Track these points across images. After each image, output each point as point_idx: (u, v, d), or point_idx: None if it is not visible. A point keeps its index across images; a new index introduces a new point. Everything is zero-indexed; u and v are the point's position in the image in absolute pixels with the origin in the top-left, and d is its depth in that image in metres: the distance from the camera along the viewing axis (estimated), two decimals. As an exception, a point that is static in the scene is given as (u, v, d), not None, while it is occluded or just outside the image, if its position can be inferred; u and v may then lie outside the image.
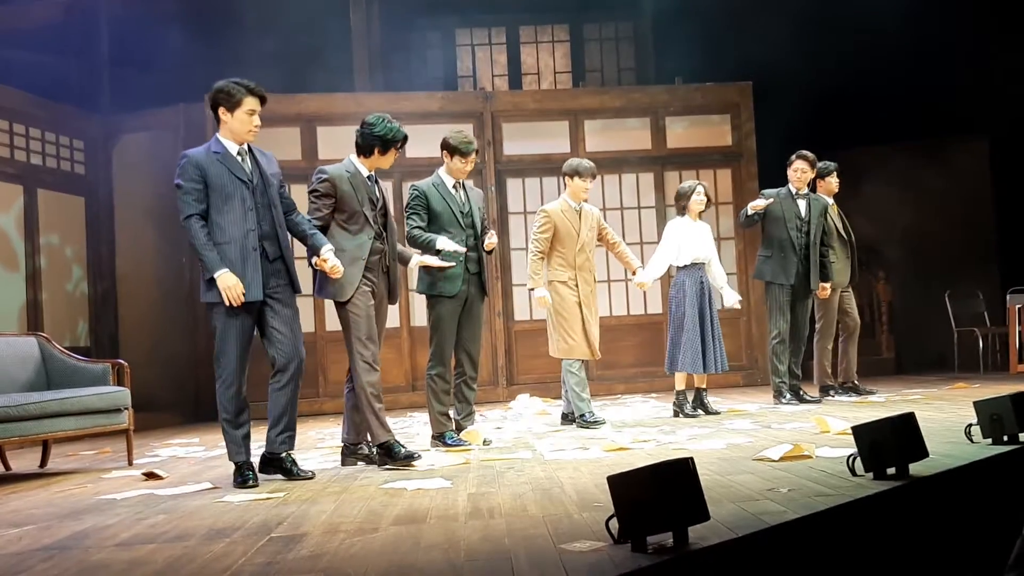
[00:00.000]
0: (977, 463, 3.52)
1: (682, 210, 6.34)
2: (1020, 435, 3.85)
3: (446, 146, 5.28)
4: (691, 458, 2.61)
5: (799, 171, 6.76)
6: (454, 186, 5.30)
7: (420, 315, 9.11)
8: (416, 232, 5.13)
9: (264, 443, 4.32)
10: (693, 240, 6.26)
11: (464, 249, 5.08)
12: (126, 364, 5.67)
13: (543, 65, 11.31)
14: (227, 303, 4.06)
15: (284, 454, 4.28)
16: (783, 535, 2.67)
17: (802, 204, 6.75)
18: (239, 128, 4.17)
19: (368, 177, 4.63)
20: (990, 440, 3.89)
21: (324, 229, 4.53)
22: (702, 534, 2.57)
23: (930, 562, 3.03)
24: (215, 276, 4.05)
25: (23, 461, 5.86)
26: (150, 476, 4.70)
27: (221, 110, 4.18)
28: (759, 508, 2.93)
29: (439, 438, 5.19)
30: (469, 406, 5.40)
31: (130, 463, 5.39)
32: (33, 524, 3.57)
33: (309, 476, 4.27)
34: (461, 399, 5.38)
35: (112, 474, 5.05)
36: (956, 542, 3.10)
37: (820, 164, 7.11)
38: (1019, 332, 8.82)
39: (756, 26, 9.63)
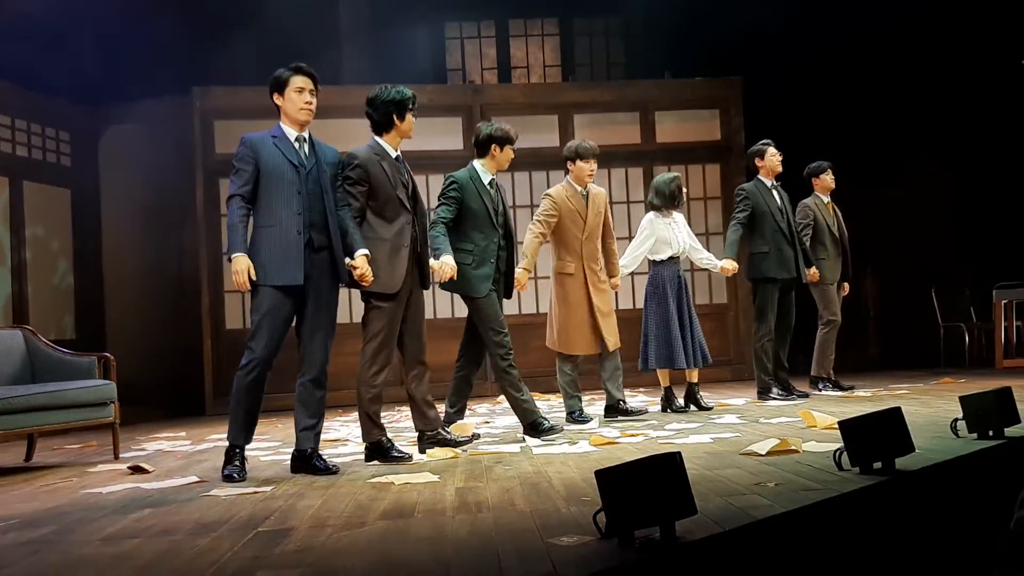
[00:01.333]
0: (962, 458, 3.55)
1: (660, 205, 6.22)
2: (1005, 430, 3.88)
3: (494, 139, 5.13)
4: (678, 453, 2.61)
5: (776, 156, 6.72)
6: (490, 183, 5.16)
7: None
8: (440, 230, 4.94)
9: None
10: (670, 234, 6.17)
11: (449, 274, 4.87)
12: (112, 357, 5.64)
13: (532, 59, 11.28)
14: (236, 285, 4.07)
15: (309, 450, 4.24)
16: (770, 529, 2.68)
17: (776, 195, 6.76)
18: (292, 108, 4.24)
19: (396, 158, 4.54)
20: (975, 435, 3.91)
21: (360, 220, 4.41)
22: (689, 528, 2.58)
23: (916, 556, 3.05)
24: (231, 256, 4.06)
25: (8, 455, 5.83)
26: (136, 470, 4.68)
27: (275, 96, 4.29)
28: (746, 502, 2.93)
29: (533, 427, 5.01)
30: (464, 400, 5.40)
31: (116, 457, 5.37)
32: (18, 518, 3.54)
33: (335, 471, 4.21)
34: (459, 393, 5.31)
35: (98, 468, 5.03)
36: (942, 536, 3.12)
37: (813, 163, 7.12)
38: (1004, 327, 8.89)
39: (746, 21, 9.63)
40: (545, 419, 5.07)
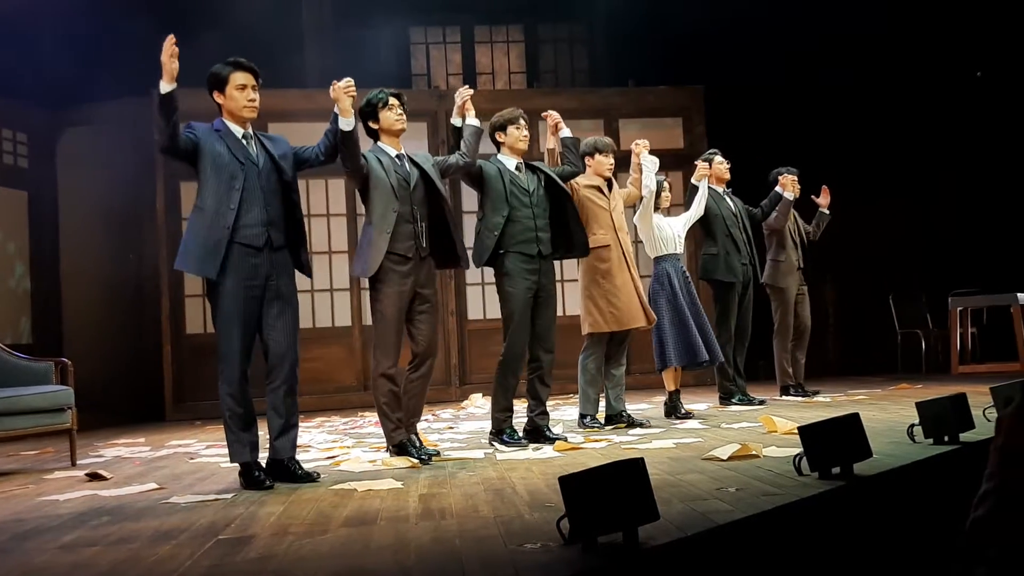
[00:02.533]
0: (919, 462, 3.61)
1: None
2: (960, 435, 3.95)
3: (494, 127, 5.09)
4: (641, 458, 2.63)
5: (723, 164, 6.77)
6: (517, 167, 5.08)
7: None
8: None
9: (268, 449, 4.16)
10: (666, 232, 6.17)
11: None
12: (69, 362, 5.55)
13: (497, 65, 11.31)
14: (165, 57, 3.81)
15: (287, 459, 4.12)
16: (731, 534, 2.71)
17: (729, 201, 6.83)
18: (235, 106, 4.06)
19: (397, 156, 4.60)
20: (931, 440, 3.98)
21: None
22: (652, 534, 2.60)
23: (875, 560, 3.10)
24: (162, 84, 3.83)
25: (-39, 462, 5.71)
26: (94, 477, 4.61)
27: (215, 94, 4.10)
28: (708, 507, 2.96)
29: (497, 435, 4.99)
30: (542, 404, 5.09)
31: (73, 464, 5.29)
32: (-29, 527, 3.48)
33: (315, 478, 4.10)
34: (535, 395, 5.09)
35: (54, 475, 4.94)
36: (900, 540, 3.17)
37: (784, 168, 7.16)
38: (960, 334, 9.06)
39: (709, 30, 9.74)
40: (514, 431, 5.04)
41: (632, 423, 5.59)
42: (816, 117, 10.06)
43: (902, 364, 9.52)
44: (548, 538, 2.65)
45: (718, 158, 6.83)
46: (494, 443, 5.00)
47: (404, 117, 4.65)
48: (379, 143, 4.67)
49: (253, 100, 4.09)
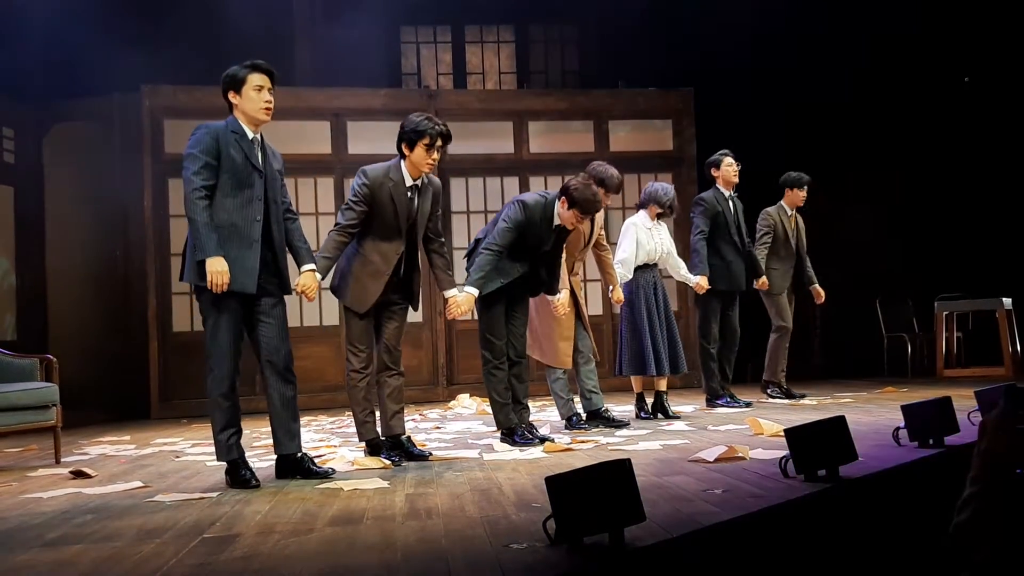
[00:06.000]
0: (904, 465, 3.62)
1: (645, 207, 6.21)
2: (944, 438, 3.97)
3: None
4: (628, 459, 2.63)
5: (732, 167, 6.74)
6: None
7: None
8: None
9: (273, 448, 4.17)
10: (649, 240, 6.15)
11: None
12: (54, 359, 5.51)
13: (488, 65, 11.30)
14: (209, 287, 3.84)
15: (299, 454, 4.12)
16: (717, 536, 2.71)
17: (732, 205, 6.81)
18: (250, 107, 4.01)
19: (411, 187, 4.48)
20: (916, 443, 4.00)
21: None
22: (637, 535, 2.60)
23: (859, 561, 3.11)
24: (207, 259, 3.82)
25: (-56, 459, 5.67)
26: (78, 475, 4.58)
27: (231, 94, 4.03)
28: (694, 509, 2.97)
29: (509, 435, 4.98)
30: (519, 404, 5.10)
31: (57, 461, 5.25)
32: (-47, 524, 3.45)
33: (330, 473, 4.10)
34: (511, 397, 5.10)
35: (38, 472, 4.91)
36: (884, 542, 3.18)
37: (793, 174, 7.12)
38: (946, 338, 9.12)
39: (699, 33, 9.76)
40: (519, 427, 5.01)
41: (614, 423, 5.59)
42: (804, 121, 10.09)
43: (888, 367, 9.57)
44: (534, 538, 2.65)
45: (728, 159, 6.77)
46: (507, 442, 4.98)
47: (437, 159, 4.51)
48: (401, 166, 4.49)
49: (269, 102, 4.05)
